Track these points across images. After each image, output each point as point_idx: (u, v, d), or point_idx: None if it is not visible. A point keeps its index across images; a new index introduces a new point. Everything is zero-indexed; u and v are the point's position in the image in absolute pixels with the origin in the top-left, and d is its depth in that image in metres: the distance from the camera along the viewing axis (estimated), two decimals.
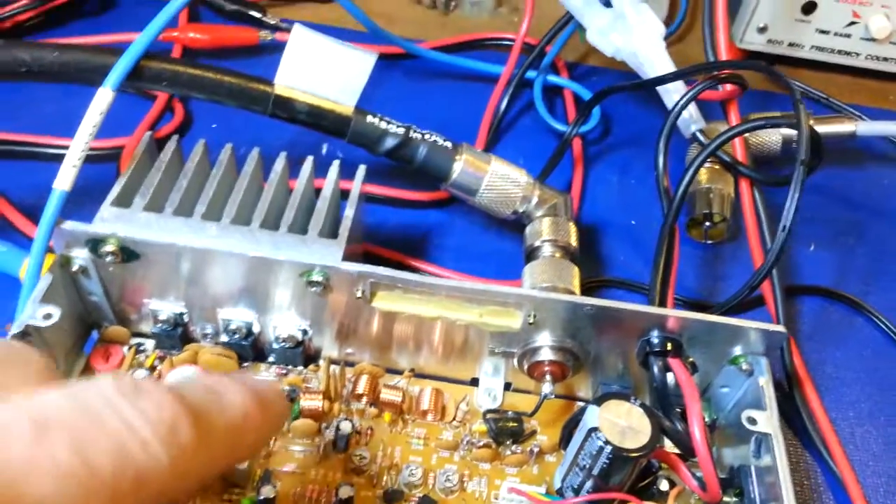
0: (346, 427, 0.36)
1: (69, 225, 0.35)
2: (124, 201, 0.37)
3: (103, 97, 0.36)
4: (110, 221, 0.36)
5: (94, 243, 0.35)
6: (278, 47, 0.39)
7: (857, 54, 0.61)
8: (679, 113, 0.44)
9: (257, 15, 0.61)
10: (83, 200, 0.46)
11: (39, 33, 0.59)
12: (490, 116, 0.56)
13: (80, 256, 0.36)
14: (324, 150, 0.53)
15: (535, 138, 0.57)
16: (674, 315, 0.35)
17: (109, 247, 0.35)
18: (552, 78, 0.60)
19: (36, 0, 0.58)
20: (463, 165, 0.43)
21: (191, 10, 0.62)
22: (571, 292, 0.40)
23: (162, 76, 0.39)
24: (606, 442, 0.31)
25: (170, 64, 0.39)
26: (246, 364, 0.39)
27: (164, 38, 0.57)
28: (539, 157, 0.52)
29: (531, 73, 0.59)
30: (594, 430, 0.31)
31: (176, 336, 0.39)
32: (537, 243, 0.43)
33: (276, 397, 0.27)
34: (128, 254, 0.35)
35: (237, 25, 0.61)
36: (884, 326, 0.47)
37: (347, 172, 0.40)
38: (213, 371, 0.37)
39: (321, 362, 0.39)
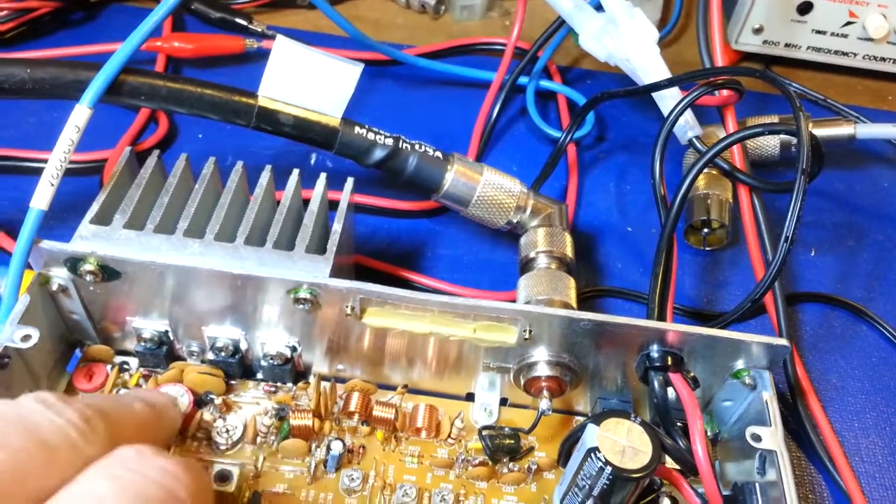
0: (337, 446, 0.35)
1: (47, 244, 0.34)
2: (104, 219, 0.35)
3: (80, 115, 0.35)
4: (89, 240, 0.35)
5: (73, 262, 0.34)
6: (265, 55, 0.38)
7: (855, 54, 0.60)
8: (675, 120, 0.43)
9: (243, 23, 0.61)
10: (67, 215, 0.45)
11: (22, 44, 0.58)
12: (482, 123, 0.55)
13: (59, 275, 0.35)
14: (312, 160, 0.52)
15: (528, 145, 0.56)
16: (674, 329, 0.34)
17: (89, 266, 0.34)
18: (545, 83, 0.59)
19: (17, 10, 0.57)
20: (454, 176, 0.42)
21: (176, 18, 0.62)
22: (568, 305, 0.39)
23: (140, 91, 0.38)
24: (606, 462, 0.30)
25: (148, 78, 0.38)
26: (233, 382, 0.38)
27: (147, 48, 0.56)
28: (533, 163, 0.51)
29: (523, 79, 0.58)
30: (594, 449, 0.30)
31: (161, 354, 0.38)
32: (532, 254, 0.42)
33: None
34: (108, 272, 0.34)
35: (223, 34, 0.60)
36: (888, 334, 0.45)
37: (337, 182, 0.39)
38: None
39: (311, 379, 0.38)
